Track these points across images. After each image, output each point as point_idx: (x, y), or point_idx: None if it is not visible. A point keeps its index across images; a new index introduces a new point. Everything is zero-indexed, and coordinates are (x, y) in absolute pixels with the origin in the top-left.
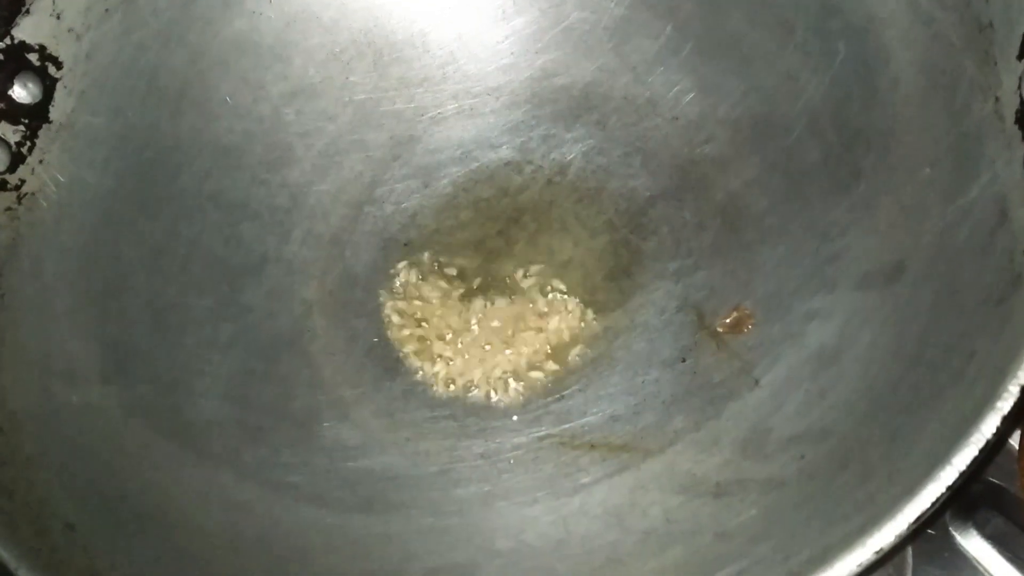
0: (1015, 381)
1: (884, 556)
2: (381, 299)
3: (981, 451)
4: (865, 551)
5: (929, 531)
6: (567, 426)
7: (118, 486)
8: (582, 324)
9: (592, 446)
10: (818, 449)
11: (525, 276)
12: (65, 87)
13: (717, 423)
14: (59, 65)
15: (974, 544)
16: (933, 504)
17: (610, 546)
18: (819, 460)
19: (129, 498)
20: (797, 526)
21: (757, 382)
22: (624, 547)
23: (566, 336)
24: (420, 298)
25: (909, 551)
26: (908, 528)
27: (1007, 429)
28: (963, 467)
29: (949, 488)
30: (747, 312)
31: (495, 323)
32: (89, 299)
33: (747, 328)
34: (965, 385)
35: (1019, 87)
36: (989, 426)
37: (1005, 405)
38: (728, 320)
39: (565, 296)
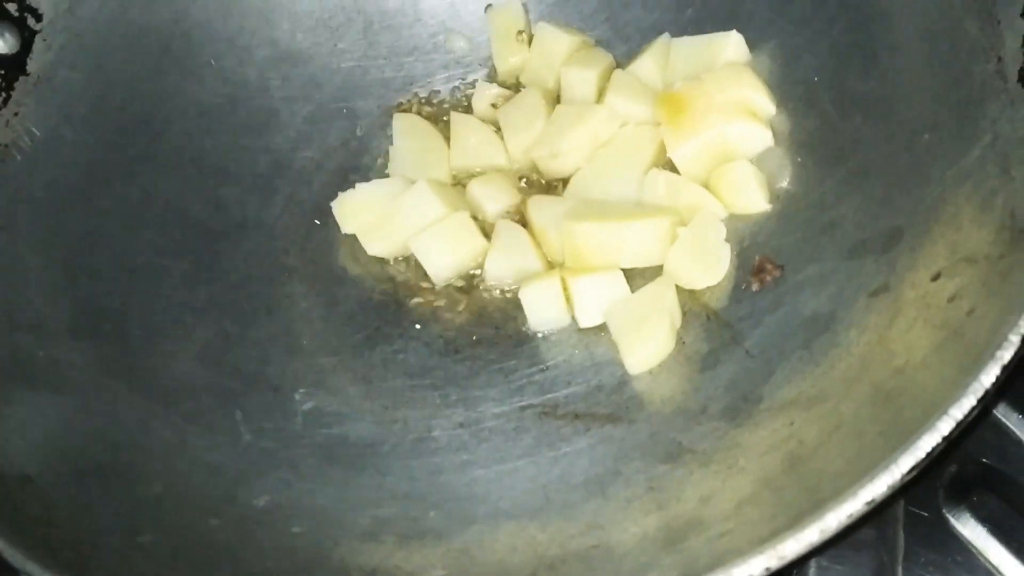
0: (1016, 331)
1: (876, 507)
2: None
3: (980, 400)
4: (856, 502)
5: (922, 513)
6: (550, 396)
7: (81, 441)
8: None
9: (576, 416)
10: (809, 415)
11: None
12: (44, 40)
13: (705, 393)
14: (39, 17)
15: (968, 527)
16: (928, 454)
17: (591, 513)
18: (810, 425)
19: (92, 453)
20: (786, 487)
21: (747, 352)
22: (605, 513)
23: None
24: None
25: (901, 534)
26: (902, 479)
27: (1006, 380)
28: (960, 417)
29: (945, 438)
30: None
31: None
32: (61, 255)
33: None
34: (963, 341)
35: (1023, 45)
36: (989, 376)
37: (1005, 354)
38: None
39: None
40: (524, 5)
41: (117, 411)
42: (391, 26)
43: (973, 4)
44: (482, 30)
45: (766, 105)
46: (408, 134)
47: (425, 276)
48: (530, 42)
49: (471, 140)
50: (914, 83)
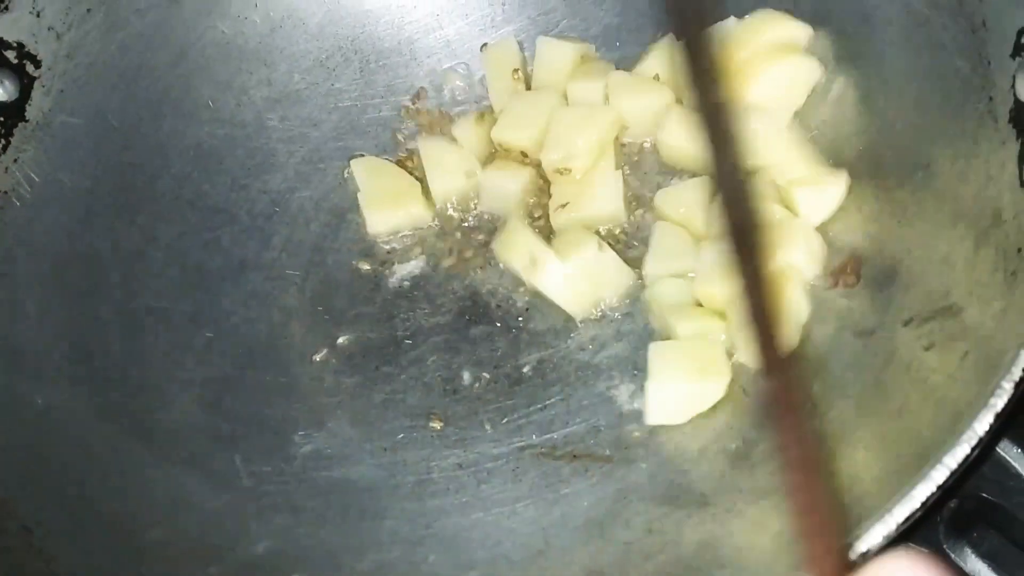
0: (1008, 378)
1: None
2: (362, 305)
3: (973, 448)
4: (851, 554)
5: (922, 549)
6: (548, 436)
7: (80, 489)
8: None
9: (574, 456)
10: None
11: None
12: (43, 86)
13: (703, 434)
14: (37, 64)
15: (969, 562)
16: (923, 504)
17: (590, 557)
18: None
19: (91, 501)
20: (784, 533)
21: (744, 391)
22: (604, 558)
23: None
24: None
25: None
26: (897, 529)
27: (999, 428)
28: (954, 465)
29: (940, 487)
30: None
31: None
32: (61, 300)
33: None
34: (957, 386)
35: (1013, 85)
36: (982, 424)
37: (998, 402)
38: None
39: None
40: (520, 43)
41: (116, 457)
42: (387, 65)
43: (964, 44)
44: (478, 68)
45: (801, 32)
46: (372, 175)
47: (423, 313)
48: (526, 80)
49: (444, 161)
50: (906, 121)
